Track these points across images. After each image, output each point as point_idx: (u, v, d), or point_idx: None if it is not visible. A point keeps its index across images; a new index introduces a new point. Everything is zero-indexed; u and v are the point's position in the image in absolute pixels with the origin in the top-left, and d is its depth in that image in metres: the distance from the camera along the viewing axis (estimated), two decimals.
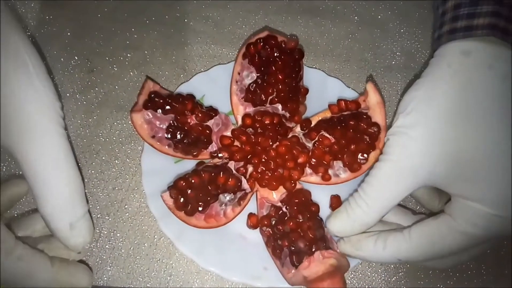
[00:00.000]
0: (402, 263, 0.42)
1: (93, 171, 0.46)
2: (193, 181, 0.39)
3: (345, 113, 0.43)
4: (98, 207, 0.44)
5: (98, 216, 0.44)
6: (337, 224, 0.38)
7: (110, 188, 0.45)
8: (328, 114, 0.44)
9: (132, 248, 0.43)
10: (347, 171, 0.42)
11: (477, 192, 0.34)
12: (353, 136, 0.41)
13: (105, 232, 0.43)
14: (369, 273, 0.43)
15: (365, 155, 0.41)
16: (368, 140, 0.41)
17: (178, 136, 0.42)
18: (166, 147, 0.43)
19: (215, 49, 0.53)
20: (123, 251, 0.43)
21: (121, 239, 0.43)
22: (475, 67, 0.35)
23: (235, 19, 0.55)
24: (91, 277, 0.37)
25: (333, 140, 0.42)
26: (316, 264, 0.37)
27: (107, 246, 0.43)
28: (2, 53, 0.32)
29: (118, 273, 0.42)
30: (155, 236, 0.43)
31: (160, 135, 0.43)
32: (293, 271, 0.38)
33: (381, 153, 0.39)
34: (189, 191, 0.39)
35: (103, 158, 0.46)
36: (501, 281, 0.43)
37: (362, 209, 0.37)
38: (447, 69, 0.36)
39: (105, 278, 0.42)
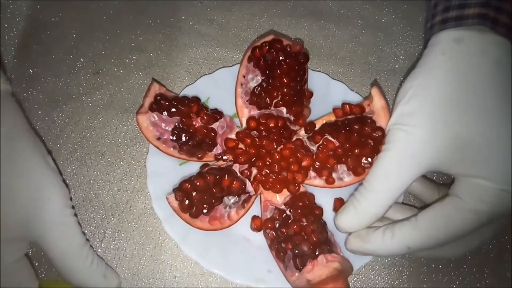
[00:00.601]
0: (412, 253, 0.40)
1: (98, 173, 0.46)
2: (198, 183, 0.40)
3: (350, 117, 0.44)
4: (103, 208, 0.45)
5: (103, 216, 0.44)
6: (346, 220, 0.38)
7: (115, 190, 0.45)
8: (332, 118, 0.45)
9: (136, 249, 0.43)
10: (351, 174, 0.42)
11: (481, 169, 0.34)
12: (358, 140, 0.42)
13: (110, 233, 0.44)
14: (372, 276, 0.43)
15: (369, 159, 0.41)
16: (372, 144, 0.41)
17: (183, 138, 0.43)
18: (171, 149, 0.43)
19: (219, 52, 0.53)
20: (128, 251, 0.43)
21: (125, 240, 0.43)
22: (468, 53, 0.36)
23: (240, 22, 0.55)
24: None
25: (337, 143, 0.42)
26: (320, 268, 0.37)
27: (111, 247, 0.43)
28: (38, 161, 0.39)
29: (123, 274, 0.42)
30: (160, 238, 0.44)
31: (165, 137, 0.43)
32: (296, 274, 0.38)
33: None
34: (194, 194, 0.39)
35: (109, 159, 0.47)
36: (503, 284, 0.44)
37: (369, 200, 0.37)
38: (441, 56, 0.37)
39: None
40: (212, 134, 0.44)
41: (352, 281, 0.43)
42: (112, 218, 0.44)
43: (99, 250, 0.43)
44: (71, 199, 0.41)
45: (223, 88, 0.48)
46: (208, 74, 0.49)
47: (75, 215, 0.40)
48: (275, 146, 0.43)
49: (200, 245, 0.41)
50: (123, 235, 0.44)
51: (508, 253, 0.45)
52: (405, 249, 0.36)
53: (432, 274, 0.44)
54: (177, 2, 0.55)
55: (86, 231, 0.43)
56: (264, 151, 0.44)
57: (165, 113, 0.43)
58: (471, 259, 0.45)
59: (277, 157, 0.43)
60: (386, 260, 0.44)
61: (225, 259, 0.41)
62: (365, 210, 0.37)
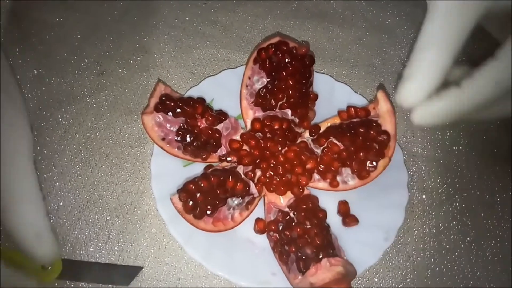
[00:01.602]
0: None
1: (102, 174, 0.46)
2: (202, 184, 0.40)
3: (355, 120, 0.43)
4: (107, 210, 0.44)
5: (108, 218, 0.44)
6: (411, 88, 0.33)
7: (119, 191, 0.45)
8: (337, 121, 0.45)
9: (141, 250, 0.43)
10: (355, 178, 0.42)
11: None
12: (362, 143, 0.42)
13: (114, 234, 0.44)
14: (376, 280, 0.43)
15: (374, 162, 0.41)
16: (377, 148, 0.41)
17: (188, 139, 0.43)
18: (176, 149, 0.43)
19: (223, 53, 0.53)
20: (132, 253, 0.43)
21: (130, 242, 0.43)
22: None
23: (244, 24, 0.55)
24: None
25: (342, 146, 0.42)
26: (323, 272, 0.37)
27: (116, 248, 0.43)
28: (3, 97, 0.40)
29: None
30: (164, 239, 0.44)
31: (170, 137, 0.43)
32: (299, 277, 0.38)
33: (389, 161, 0.39)
34: (198, 195, 0.39)
35: (113, 161, 0.47)
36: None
37: (431, 55, 0.33)
38: None
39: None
40: (216, 135, 0.44)
41: (356, 284, 0.43)
42: (117, 220, 0.44)
43: (103, 251, 0.43)
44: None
45: (228, 90, 0.48)
46: (213, 75, 0.49)
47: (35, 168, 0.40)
48: (280, 148, 0.43)
49: (204, 247, 0.41)
50: (127, 236, 0.44)
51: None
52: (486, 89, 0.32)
53: (436, 277, 0.44)
54: (181, 4, 0.55)
55: (90, 232, 0.44)
56: (268, 153, 0.44)
57: (170, 113, 0.43)
58: (475, 263, 0.45)
59: (282, 159, 0.43)
60: (391, 263, 0.44)
61: (229, 261, 0.41)
62: (428, 70, 0.33)
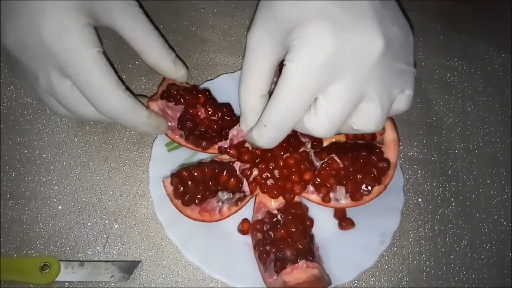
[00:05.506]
0: None
1: (101, 178, 0.46)
2: (195, 174, 0.40)
3: (360, 141, 0.44)
4: (106, 213, 0.45)
5: (106, 221, 0.45)
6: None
7: (117, 195, 0.46)
8: (342, 138, 0.45)
9: (139, 254, 0.43)
10: (348, 198, 0.42)
11: None
12: (362, 166, 0.42)
13: (112, 238, 0.44)
14: (372, 282, 0.44)
15: (370, 187, 0.41)
16: (375, 173, 0.41)
17: (188, 128, 0.44)
18: (178, 137, 0.44)
19: (221, 58, 0.53)
20: (130, 256, 0.43)
21: (128, 245, 0.44)
22: None
23: (242, 28, 0.55)
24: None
25: (341, 165, 0.42)
26: (299, 272, 0.38)
27: (114, 252, 0.43)
28: None
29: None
30: (162, 243, 0.44)
31: (172, 124, 0.44)
32: (275, 277, 0.38)
33: (385, 189, 0.41)
34: (189, 183, 0.40)
35: (111, 165, 0.47)
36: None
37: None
38: None
39: (112, 284, 0.42)
40: (214, 126, 0.45)
41: (352, 287, 0.43)
42: (115, 223, 0.45)
43: (101, 254, 0.43)
44: None
45: (225, 94, 0.48)
46: (210, 80, 0.50)
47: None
48: (281, 153, 0.44)
49: (201, 251, 0.41)
50: (125, 240, 0.44)
51: (508, 260, 0.46)
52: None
53: (431, 280, 0.44)
54: (179, 8, 0.56)
55: (89, 236, 0.44)
56: (269, 155, 0.44)
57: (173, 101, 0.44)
58: (471, 266, 0.45)
59: (281, 164, 0.43)
60: (386, 266, 0.45)
61: (227, 265, 0.41)
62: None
